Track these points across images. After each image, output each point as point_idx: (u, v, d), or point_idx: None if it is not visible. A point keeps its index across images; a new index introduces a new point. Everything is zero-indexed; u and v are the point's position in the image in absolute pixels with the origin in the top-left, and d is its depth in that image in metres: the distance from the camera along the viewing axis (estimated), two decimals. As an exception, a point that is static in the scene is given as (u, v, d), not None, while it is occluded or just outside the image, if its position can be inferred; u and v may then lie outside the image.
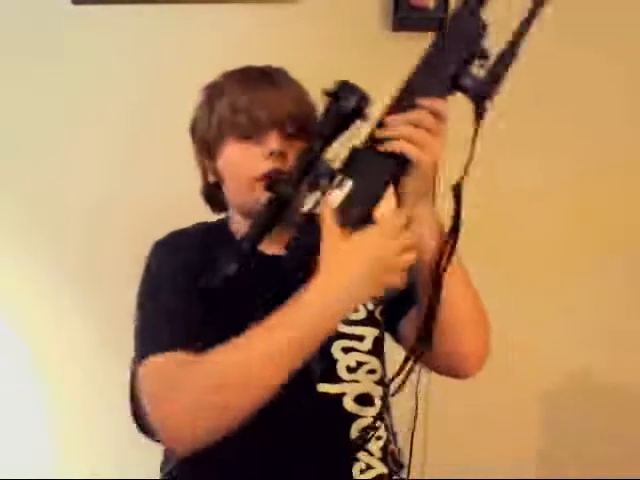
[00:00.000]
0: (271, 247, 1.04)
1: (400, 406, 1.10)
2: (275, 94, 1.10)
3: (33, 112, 1.96)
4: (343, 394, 1.07)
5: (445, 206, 0.98)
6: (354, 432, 1.06)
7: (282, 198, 0.93)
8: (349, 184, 0.92)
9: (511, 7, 0.96)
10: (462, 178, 0.93)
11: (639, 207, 1.95)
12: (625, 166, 1.94)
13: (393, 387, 0.99)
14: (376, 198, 0.93)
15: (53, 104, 1.97)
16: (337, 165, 0.95)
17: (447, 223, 0.98)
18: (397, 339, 1.19)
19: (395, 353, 1.14)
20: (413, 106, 0.93)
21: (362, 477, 1.07)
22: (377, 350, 1.13)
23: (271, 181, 0.95)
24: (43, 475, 1.94)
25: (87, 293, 1.93)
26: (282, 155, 1.07)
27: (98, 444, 1.94)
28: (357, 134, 0.96)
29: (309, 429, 1.02)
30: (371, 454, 1.09)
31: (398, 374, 0.98)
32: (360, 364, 1.10)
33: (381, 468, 1.09)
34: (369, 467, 1.08)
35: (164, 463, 1.14)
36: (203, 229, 1.16)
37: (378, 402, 1.11)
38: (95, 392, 1.91)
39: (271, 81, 1.13)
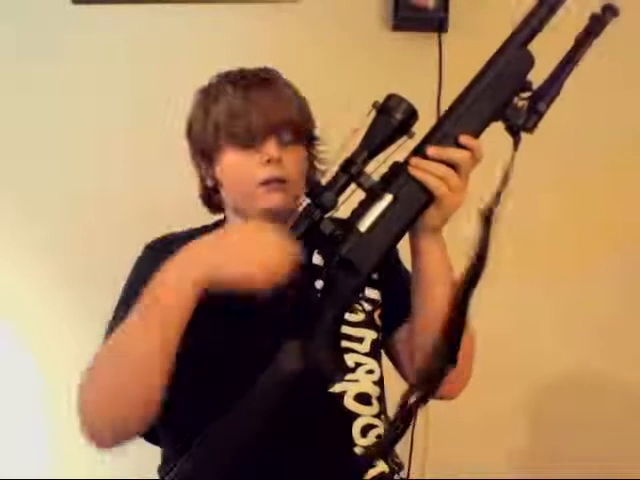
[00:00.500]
0: None
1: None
2: (271, 98, 1.11)
3: (33, 112, 1.96)
4: (344, 392, 1.07)
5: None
6: (355, 430, 1.07)
7: (324, 207, 0.94)
8: (388, 198, 0.95)
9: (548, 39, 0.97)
10: (494, 205, 0.93)
11: (635, 205, 1.95)
12: (621, 163, 1.94)
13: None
14: (401, 231, 0.96)
15: (53, 104, 1.97)
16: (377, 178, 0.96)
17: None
18: (385, 347, 1.20)
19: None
20: (456, 140, 0.94)
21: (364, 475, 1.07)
22: (375, 352, 1.14)
23: (314, 190, 0.95)
24: (43, 475, 1.93)
25: (86, 293, 1.92)
26: (279, 161, 1.08)
27: (98, 444, 1.94)
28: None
29: (311, 427, 1.03)
30: None
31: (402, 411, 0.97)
32: (358, 365, 1.10)
33: (382, 466, 1.09)
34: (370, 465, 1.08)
35: (162, 465, 1.14)
36: (196, 235, 1.16)
37: (375, 402, 1.11)
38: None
39: (267, 85, 1.13)
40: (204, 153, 1.15)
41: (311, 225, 0.94)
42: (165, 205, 1.85)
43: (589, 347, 1.92)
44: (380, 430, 1.10)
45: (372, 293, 1.16)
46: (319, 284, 1.06)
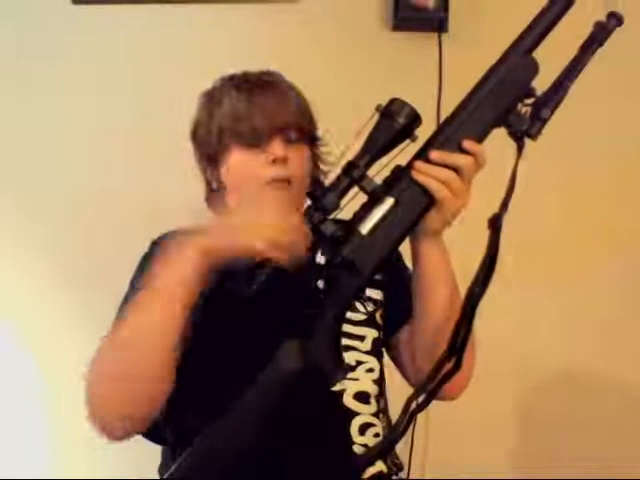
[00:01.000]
0: None
1: (400, 406, 1.10)
2: (275, 100, 1.12)
3: (33, 112, 1.96)
4: (343, 390, 1.08)
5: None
6: (354, 428, 1.07)
7: (326, 209, 0.94)
8: (390, 201, 0.95)
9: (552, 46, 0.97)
10: (502, 211, 0.92)
11: (638, 208, 1.95)
12: (623, 167, 1.94)
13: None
14: (402, 234, 0.97)
15: (53, 104, 1.97)
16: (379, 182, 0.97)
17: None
18: (387, 347, 1.20)
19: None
20: (460, 145, 0.94)
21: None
22: (376, 351, 1.14)
23: (316, 191, 0.95)
24: (43, 475, 1.93)
25: (86, 293, 1.92)
26: (284, 160, 1.09)
27: (98, 444, 1.94)
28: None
29: (310, 424, 1.03)
30: None
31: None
32: (359, 363, 1.11)
33: (381, 465, 1.09)
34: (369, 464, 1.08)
35: (162, 465, 1.14)
36: None
37: (374, 401, 1.12)
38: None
39: (270, 87, 1.14)
40: (209, 156, 1.16)
41: (314, 225, 0.94)
42: (165, 205, 1.85)
43: (591, 349, 1.92)
44: (378, 429, 1.10)
45: (374, 293, 1.16)
46: (321, 284, 1.07)
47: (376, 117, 0.96)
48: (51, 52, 1.96)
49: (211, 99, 1.17)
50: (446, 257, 1.04)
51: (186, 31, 1.96)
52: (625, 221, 1.94)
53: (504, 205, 0.92)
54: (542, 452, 1.94)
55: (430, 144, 0.96)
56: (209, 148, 1.15)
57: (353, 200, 0.98)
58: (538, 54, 0.95)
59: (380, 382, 1.15)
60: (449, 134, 0.95)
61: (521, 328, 1.89)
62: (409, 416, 0.92)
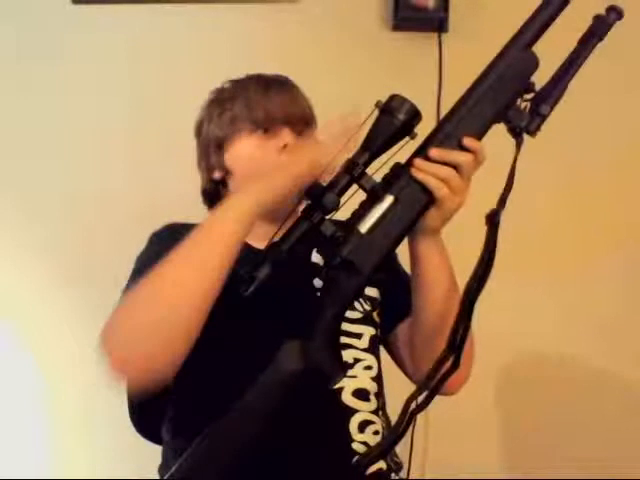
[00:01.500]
0: (258, 241, 1.04)
1: (399, 406, 1.10)
2: (288, 96, 1.17)
3: (33, 112, 1.96)
4: (342, 388, 1.07)
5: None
6: (353, 425, 1.07)
7: (326, 209, 0.94)
8: (389, 199, 0.95)
9: (551, 40, 0.97)
10: (500, 207, 0.92)
11: (637, 204, 1.95)
12: (623, 163, 1.94)
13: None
14: (402, 233, 0.96)
15: (53, 104, 1.97)
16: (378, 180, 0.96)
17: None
18: (386, 344, 1.21)
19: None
20: (459, 142, 0.94)
21: None
22: (374, 348, 1.14)
23: (315, 191, 0.95)
24: (43, 475, 1.93)
25: (86, 293, 1.92)
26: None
27: (98, 444, 1.94)
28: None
29: (309, 422, 1.03)
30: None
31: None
32: (357, 360, 1.11)
33: (380, 463, 1.08)
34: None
35: (162, 465, 1.14)
36: None
37: (373, 398, 1.12)
38: (94, 393, 1.91)
39: (283, 85, 1.18)
40: (217, 142, 1.17)
41: (311, 226, 0.94)
42: (165, 205, 1.84)
43: (591, 346, 1.92)
44: (377, 426, 1.10)
45: (371, 291, 1.16)
46: (317, 282, 1.07)
47: (376, 113, 0.95)
48: (51, 52, 1.96)
49: (221, 96, 1.19)
50: (445, 255, 1.04)
51: (186, 31, 1.96)
52: (624, 217, 1.94)
53: (502, 201, 0.92)
54: (541, 452, 1.94)
55: (429, 141, 0.95)
56: (218, 134, 1.17)
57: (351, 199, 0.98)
58: (537, 48, 0.95)
59: (379, 380, 1.15)
60: (448, 131, 0.95)
61: (520, 326, 1.89)
62: (409, 416, 0.92)
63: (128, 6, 1.96)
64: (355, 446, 1.06)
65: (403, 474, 1.15)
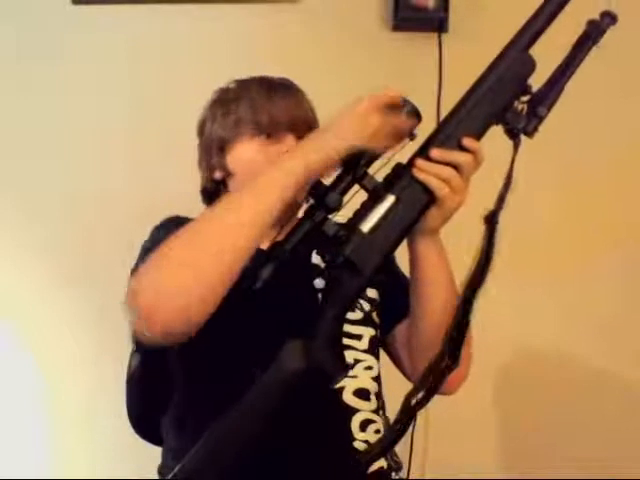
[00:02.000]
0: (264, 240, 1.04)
1: (398, 406, 1.10)
2: (293, 100, 1.16)
3: (33, 112, 1.96)
4: (342, 387, 1.08)
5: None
6: (354, 425, 1.07)
7: (328, 208, 0.94)
8: (391, 199, 0.95)
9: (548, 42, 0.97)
10: (498, 208, 0.92)
11: (636, 204, 1.95)
12: (621, 163, 1.94)
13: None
14: (403, 233, 0.97)
15: (53, 104, 1.97)
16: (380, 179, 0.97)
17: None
18: (385, 345, 1.21)
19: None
20: (459, 142, 0.94)
21: None
22: (373, 349, 1.14)
23: (318, 189, 0.95)
24: (43, 475, 1.94)
25: (86, 293, 1.93)
26: None
27: (98, 444, 1.94)
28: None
29: (311, 422, 1.03)
30: None
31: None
32: (357, 361, 1.11)
33: (381, 461, 1.09)
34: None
35: (162, 465, 1.14)
36: None
37: (374, 398, 1.12)
38: (95, 393, 1.91)
39: (288, 89, 1.18)
40: (220, 143, 1.17)
41: (314, 226, 0.94)
42: (165, 205, 1.84)
43: (590, 346, 1.92)
44: (379, 425, 1.10)
45: (370, 292, 1.16)
46: (317, 283, 1.07)
47: None
48: (51, 52, 1.96)
49: (226, 96, 1.19)
50: (443, 254, 1.05)
51: (186, 31, 1.97)
52: (623, 217, 1.94)
53: (500, 201, 0.92)
54: (541, 452, 1.94)
55: (430, 142, 0.96)
56: (221, 135, 1.17)
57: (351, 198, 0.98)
58: (534, 51, 0.96)
59: (379, 380, 1.15)
60: (449, 132, 0.95)
61: (519, 326, 1.90)
62: (408, 414, 0.92)
63: (128, 6, 1.96)
64: (357, 445, 1.06)
65: (403, 474, 1.15)
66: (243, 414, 0.93)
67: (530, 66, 0.95)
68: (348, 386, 1.08)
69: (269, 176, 0.94)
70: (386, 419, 1.14)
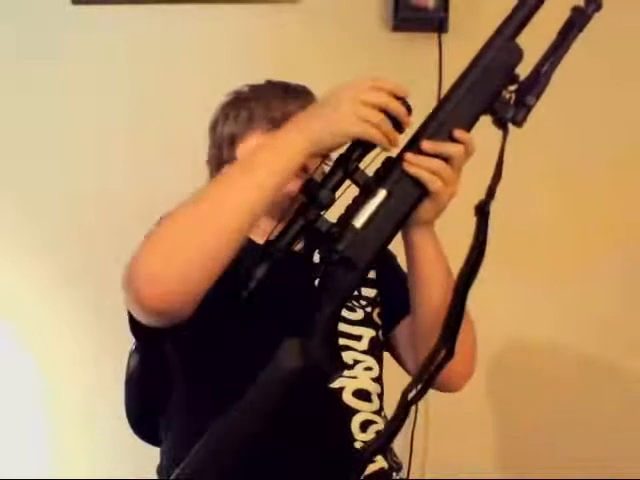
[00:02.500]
0: (260, 236, 1.04)
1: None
2: (306, 100, 1.16)
3: (33, 112, 1.96)
4: (342, 388, 1.08)
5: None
6: (354, 425, 1.07)
7: (321, 205, 0.93)
8: (382, 193, 0.94)
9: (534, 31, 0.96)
10: (489, 199, 0.92)
11: (636, 203, 1.95)
12: (621, 161, 1.94)
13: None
14: (396, 227, 0.96)
15: (53, 104, 1.97)
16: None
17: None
18: (388, 344, 1.21)
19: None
20: (450, 134, 0.94)
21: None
22: (374, 350, 1.14)
23: (310, 186, 0.95)
24: (43, 475, 1.94)
25: (86, 293, 1.93)
26: None
27: (97, 444, 1.94)
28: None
29: (310, 422, 1.03)
30: None
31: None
32: (356, 362, 1.11)
33: (382, 462, 1.09)
34: (370, 461, 1.08)
35: (162, 465, 1.14)
36: None
37: (376, 399, 1.12)
38: (94, 393, 1.91)
39: (300, 92, 1.19)
40: (230, 139, 1.18)
41: (307, 223, 0.94)
42: (165, 205, 1.85)
43: (590, 346, 1.93)
44: (380, 426, 1.10)
45: (369, 292, 1.16)
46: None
47: None
48: (51, 52, 1.96)
49: (239, 97, 1.20)
50: (438, 246, 1.05)
51: (186, 31, 1.96)
52: (623, 217, 1.94)
53: (490, 191, 0.92)
54: (541, 452, 1.94)
55: (419, 135, 0.96)
56: (234, 130, 1.18)
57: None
58: (520, 40, 0.95)
59: (380, 381, 1.15)
60: (438, 124, 0.95)
61: (519, 326, 1.90)
62: (406, 406, 0.92)
63: (128, 6, 1.96)
64: (358, 445, 1.06)
65: (403, 474, 1.15)
66: (242, 413, 0.93)
67: (517, 55, 0.94)
68: (347, 387, 1.08)
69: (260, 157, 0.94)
70: (386, 419, 1.14)
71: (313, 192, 0.93)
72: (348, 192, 0.95)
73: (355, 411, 1.08)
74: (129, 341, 1.27)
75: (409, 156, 0.95)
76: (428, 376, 0.92)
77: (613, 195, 1.94)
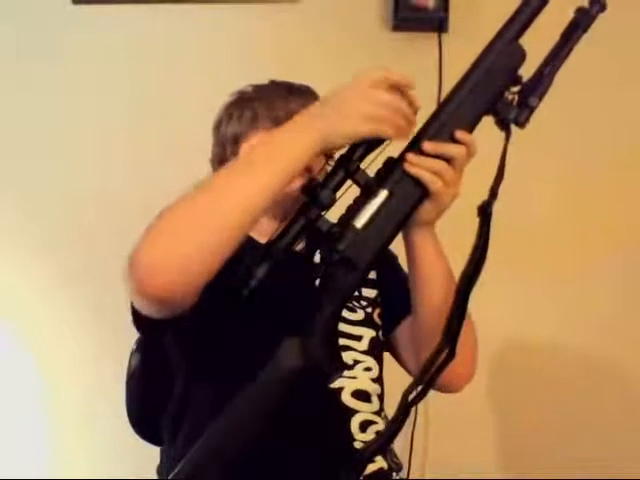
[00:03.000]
0: (265, 236, 1.04)
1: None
2: (309, 101, 1.13)
3: (33, 112, 1.96)
4: (341, 388, 1.08)
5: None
6: (354, 425, 1.07)
7: (322, 205, 0.93)
8: (383, 194, 0.94)
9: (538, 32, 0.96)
10: (491, 199, 0.92)
11: (636, 203, 1.95)
12: (622, 162, 1.94)
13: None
14: (396, 227, 0.96)
15: (53, 104, 1.97)
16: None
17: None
18: (389, 345, 1.21)
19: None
20: (452, 135, 0.94)
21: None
22: (374, 351, 1.14)
23: (310, 186, 0.94)
24: (43, 475, 1.94)
25: (86, 293, 1.93)
26: None
27: (97, 444, 1.94)
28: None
29: (309, 422, 1.03)
30: None
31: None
32: (356, 362, 1.11)
33: (381, 462, 1.09)
34: (370, 461, 1.08)
35: (161, 465, 1.14)
36: None
37: (375, 399, 1.12)
38: (94, 393, 1.91)
39: (303, 92, 1.18)
40: (234, 139, 1.18)
41: (308, 222, 0.94)
42: (165, 205, 1.85)
43: (590, 346, 1.93)
44: (380, 427, 1.10)
45: (369, 293, 1.16)
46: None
47: None
48: (51, 52, 1.96)
49: (243, 97, 1.20)
50: (439, 247, 1.05)
51: (186, 31, 1.97)
52: (623, 217, 1.94)
53: (493, 192, 0.92)
54: (541, 452, 1.94)
55: (422, 135, 0.96)
56: (238, 129, 1.18)
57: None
58: (523, 41, 0.95)
59: (381, 382, 1.15)
60: (440, 125, 0.95)
61: (520, 326, 1.90)
62: (407, 407, 0.92)
63: (128, 6, 1.96)
64: (357, 446, 1.06)
65: (403, 474, 1.15)
66: (242, 412, 0.93)
67: (520, 56, 0.94)
68: (347, 387, 1.08)
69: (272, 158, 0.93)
70: (386, 419, 1.14)
71: (314, 192, 0.93)
72: (349, 192, 0.95)
73: (354, 411, 1.08)
74: (129, 341, 1.27)
75: (410, 156, 0.95)
76: (429, 377, 0.92)
77: (614, 196, 1.94)
